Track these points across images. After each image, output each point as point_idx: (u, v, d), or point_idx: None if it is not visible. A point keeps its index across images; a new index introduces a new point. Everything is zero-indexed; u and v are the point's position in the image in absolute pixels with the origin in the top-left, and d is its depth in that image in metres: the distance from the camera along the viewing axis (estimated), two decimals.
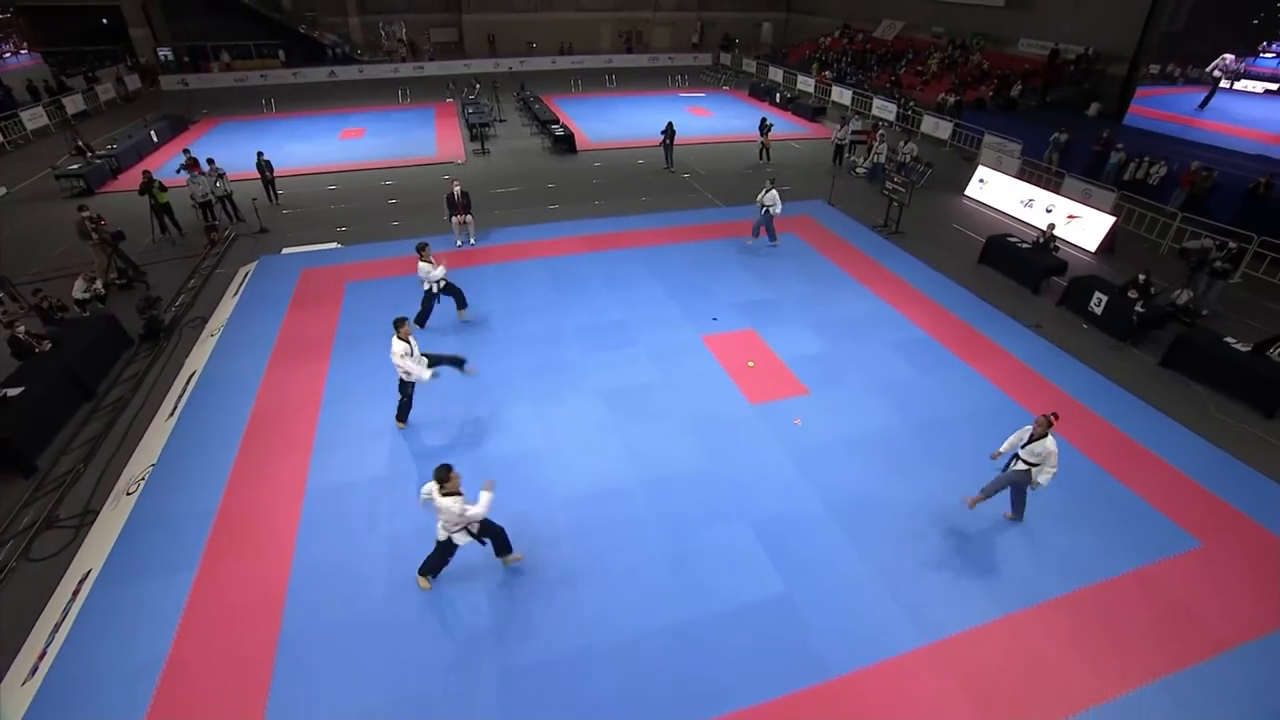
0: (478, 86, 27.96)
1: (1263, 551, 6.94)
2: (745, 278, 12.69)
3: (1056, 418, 6.56)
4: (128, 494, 7.74)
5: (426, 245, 10.18)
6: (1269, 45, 19.85)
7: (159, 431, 8.72)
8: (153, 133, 21.79)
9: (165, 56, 34.01)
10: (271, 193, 16.56)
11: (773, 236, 14.06)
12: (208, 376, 9.56)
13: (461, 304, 10.96)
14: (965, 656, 5.79)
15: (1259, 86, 20.19)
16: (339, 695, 5.42)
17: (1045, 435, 6.48)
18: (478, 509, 5.83)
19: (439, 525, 5.99)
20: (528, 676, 5.56)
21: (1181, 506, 7.48)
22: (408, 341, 7.83)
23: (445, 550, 6.15)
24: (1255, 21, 19.96)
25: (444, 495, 5.79)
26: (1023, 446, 6.66)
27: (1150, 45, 22.69)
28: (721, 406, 9.04)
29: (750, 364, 10.03)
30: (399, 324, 7.83)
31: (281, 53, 35.48)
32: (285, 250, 13.62)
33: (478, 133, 21.40)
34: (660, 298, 11.86)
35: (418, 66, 35.50)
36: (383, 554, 6.70)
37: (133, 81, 30.60)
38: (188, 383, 9.58)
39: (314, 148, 21.31)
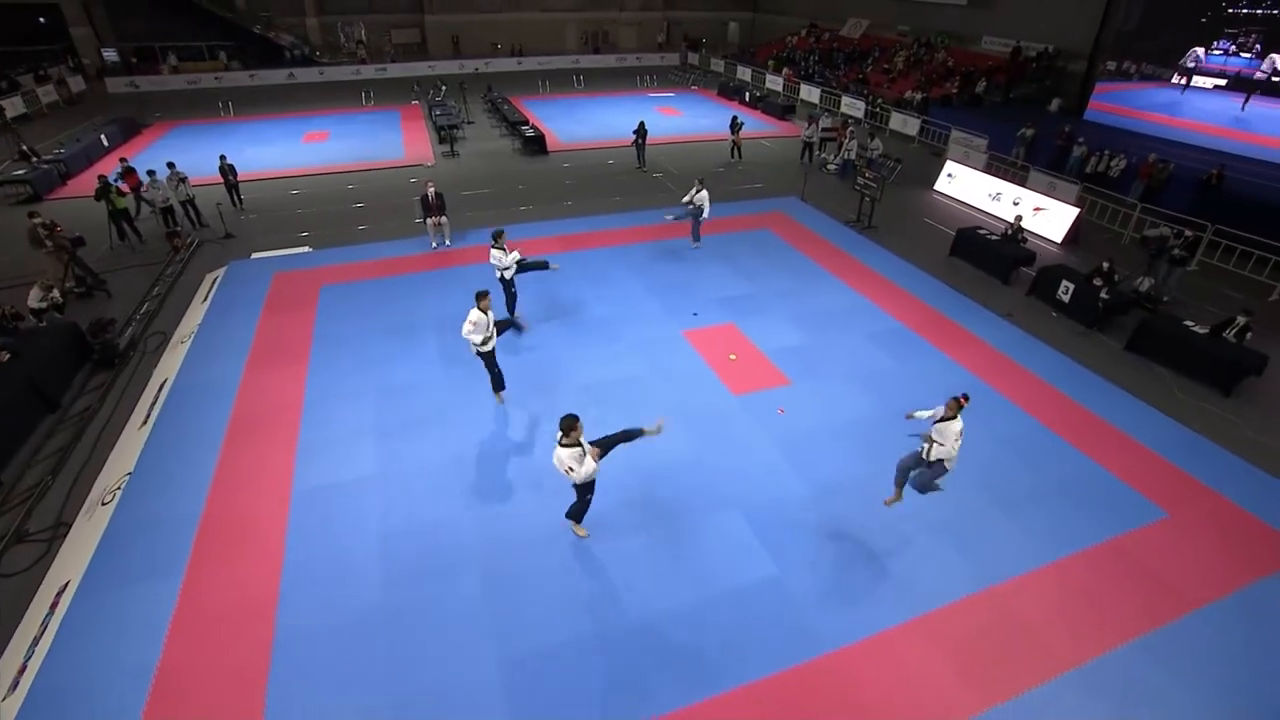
0: (443, 88, 27.98)
1: (1224, 519, 7.46)
2: (724, 273, 13.01)
3: (966, 399, 6.62)
4: (103, 504, 7.69)
5: (503, 233, 10.22)
6: (1218, 44, 20.97)
7: (133, 440, 8.66)
8: (103, 137, 21.37)
9: (110, 58, 33.26)
10: (235, 197, 16.41)
11: (696, 238, 14.14)
12: (182, 383, 9.51)
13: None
14: (951, 627, 6.13)
15: (1209, 82, 21.33)
16: (338, 694, 5.51)
17: (954, 417, 6.54)
18: (583, 469, 6.18)
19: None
20: (531, 664, 5.73)
21: (1149, 480, 7.98)
22: (486, 314, 8.12)
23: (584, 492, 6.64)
24: (1203, 20, 21.07)
25: (562, 446, 6.10)
26: (934, 424, 6.75)
27: (1106, 43, 23.80)
28: (706, 398, 9.32)
29: (732, 357, 10.33)
30: (480, 296, 8.15)
31: (223, 54, 34.80)
32: (255, 255, 13.55)
33: (446, 135, 21.46)
34: (640, 294, 12.12)
35: (380, 68, 35.32)
36: (375, 553, 6.80)
37: (76, 83, 29.85)
38: (160, 391, 9.52)
39: (277, 151, 21.14)
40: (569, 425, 6.09)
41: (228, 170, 16.07)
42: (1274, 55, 19.69)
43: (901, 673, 5.73)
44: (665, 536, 7.06)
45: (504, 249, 10.11)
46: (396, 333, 10.73)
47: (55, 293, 11.65)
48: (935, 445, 6.63)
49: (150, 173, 14.62)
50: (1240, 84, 20.53)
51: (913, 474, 7.12)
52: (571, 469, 6.18)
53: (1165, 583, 6.62)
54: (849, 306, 11.98)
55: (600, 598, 6.34)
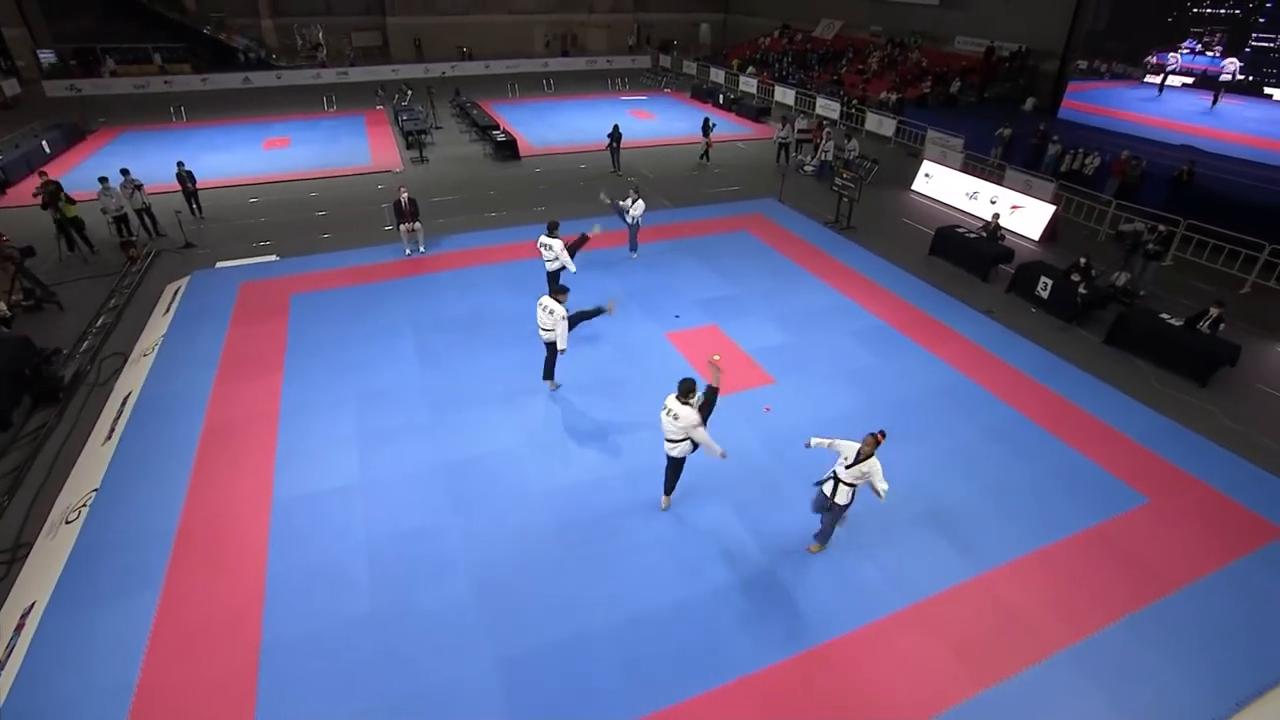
0: (409, 92, 28.11)
1: (1203, 503, 7.93)
2: (704, 275, 13.35)
3: (884, 435, 6.41)
4: (67, 522, 7.67)
5: (557, 224, 11.03)
6: (1185, 43, 22.07)
7: (97, 456, 8.64)
8: (45, 143, 21.13)
9: (48, 59, 32.73)
10: (195, 205, 16.34)
11: (633, 247, 14.19)
12: (148, 397, 9.50)
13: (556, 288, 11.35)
14: (945, 613, 6.45)
15: (1176, 80, 22.44)
16: (331, 700, 5.61)
17: (872, 455, 6.34)
18: (705, 434, 6.72)
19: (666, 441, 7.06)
20: (530, 663, 5.90)
21: (1130, 468, 8.44)
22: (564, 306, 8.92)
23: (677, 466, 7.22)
24: (1169, 20, 22.16)
25: (683, 404, 6.71)
26: (846, 467, 6.44)
27: (1077, 43, 24.89)
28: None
29: (716, 357, 10.56)
30: (562, 292, 9.03)
31: (159, 56, 34.21)
32: (220, 264, 13.54)
33: (414, 140, 21.61)
34: (620, 298, 12.35)
35: (341, 72, 35.36)
36: (363, 557, 6.92)
37: (10, 86, 29.33)
38: (123, 405, 9.50)
39: (236, 158, 21.10)
40: (688, 388, 6.84)
41: (186, 177, 16.00)
42: (1232, 59, 20.79)
43: (898, 658, 6.02)
44: (655, 534, 7.29)
45: (560, 239, 10.92)
46: (373, 340, 10.85)
47: (2, 306, 11.53)
48: (845, 488, 6.49)
49: (102, 180, 14.48)
50: (1207, 82, 21.59)
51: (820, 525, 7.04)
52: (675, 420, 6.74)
53: (1149, 565, 7.02)
54: (830, 306, 12.38)
55: (596, 595, 6.54)
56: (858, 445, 6.42)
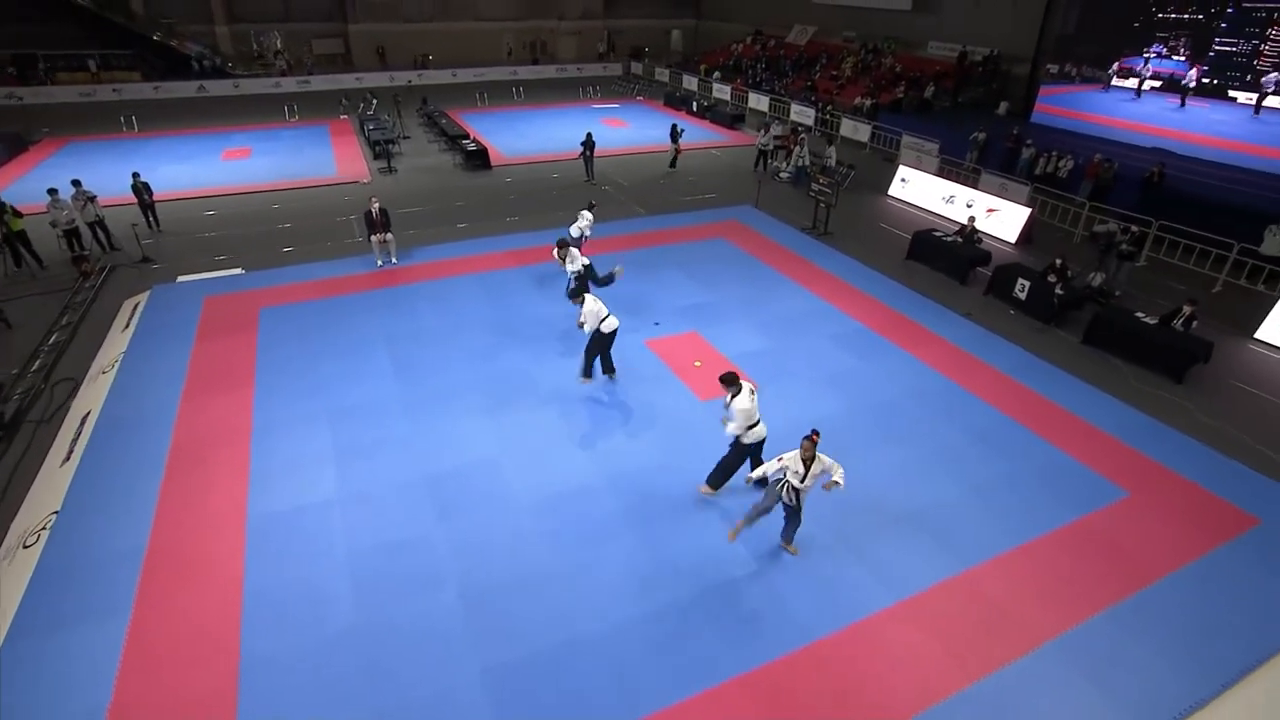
0: (374, 101, 28.18)
1: (1181, 495, 8.32)
2: (683, 282, 13.62)
3: (817, 435, 6.61)
4: (24, 547, 7.60)
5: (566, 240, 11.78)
6: (1152, 48, 23.12)
7: (55, 478, 8.56)
8: None
9: None
10: (151, 218, 16.23)
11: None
12: (109, 415, 9.44)
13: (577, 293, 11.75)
14: (932, 609, 6.70)
15: (1144, 84, 23.53)
16: (315, 715, 5.66)
17: (814, 455, 6.57)
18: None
19: (730, 428, 7.62)
20: (516, 672, 6.00)
21: (1109, 462, 8.83)
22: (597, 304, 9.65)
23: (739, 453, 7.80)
24: (1136, 25, 23.20)
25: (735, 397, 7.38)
26: (801, 480, 6.67)
27: (1047, 47, 25.89)
28: (674, 404, 9.84)
29: (697, 364, 10.88)
30: (594, 285, 10.64)
31: (92, 63, 33.56)
32: (181, 278, 13.49)
33: (382, 150, 21.70)
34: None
35: (302, 80, 35.31)
36: (344, 572, 6.97)
37: None
38: (83, 424, 9.43)
39: (193, 169, 21.02)
40: (733, 378, 7.63)
41: (142, 189, 15.91)
42: (1195, 68, 21.89)
43: (888, 653, 6.24)
44: (643, 539, 7.46)
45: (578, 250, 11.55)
46: (348, 354, 10.92)
47: None
48: (806, 489, 6.75)
49: (51, 191, 14.31)
50: (1174, 86, 22.63)
51: (783, 526, 7.25)
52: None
53: (1130, 557, 7.35)
54: (810, 311, 12.72)
55: (583, 602, 6.67)
56: (798, 452, 6.67)
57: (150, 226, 16.12)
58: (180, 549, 7.29)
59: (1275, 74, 20.26)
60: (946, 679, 6.02)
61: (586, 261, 11.46)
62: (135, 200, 15.98)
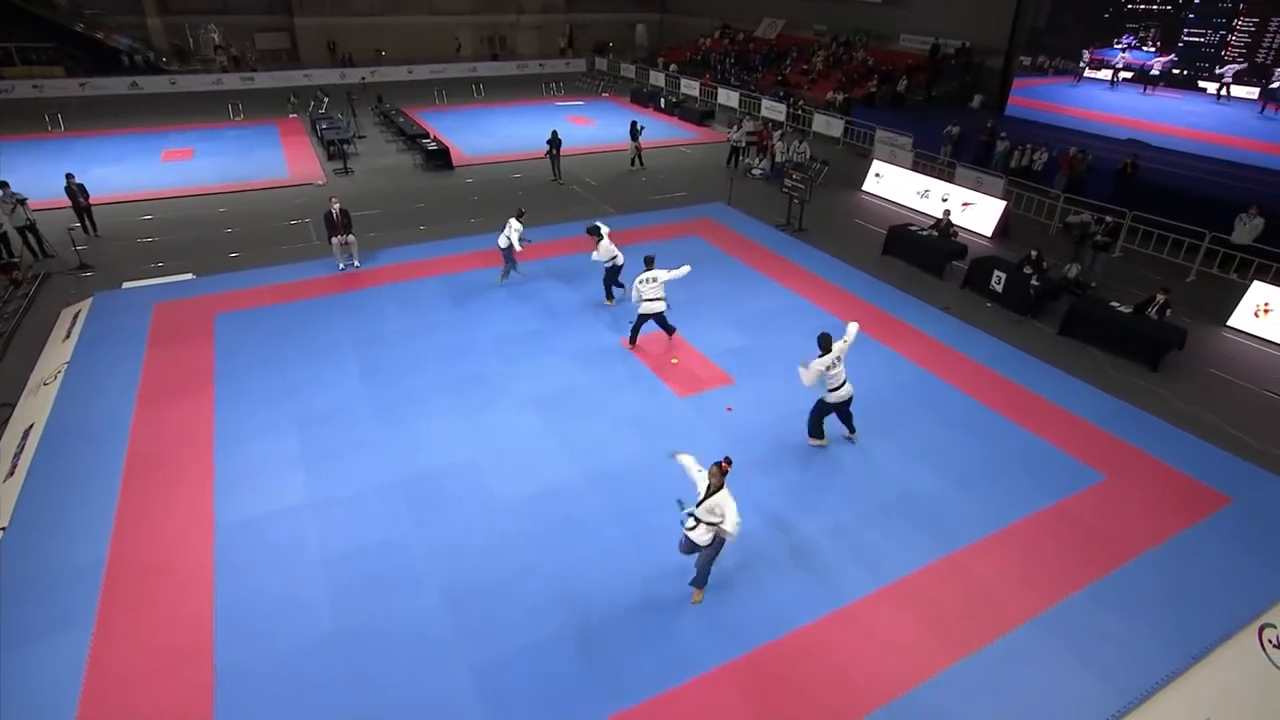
0: (326, 99, 28.20)
1: (1156, 477, 8.94)
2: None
3: (729, 462, 6.38)
4: None
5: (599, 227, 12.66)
6: (1123, 38, 24.34)
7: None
8: None
9: None
10: (88, 222, 16.10)
11: (505, 273, 13.95)
12: (56, 427, 9.47)
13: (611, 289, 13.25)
14: (916, 593, 7.14)
15: (1109, 74, 24.80)
16: None
17: (722, 487, 6.28)
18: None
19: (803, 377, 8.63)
20: (504, 670, 6.27)
21: (1087, 447, 9.42)
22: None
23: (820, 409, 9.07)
24: (1105, 16, 24.40)
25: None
26: (699, 504, 6.35)
27: (1020, 39, 26.99)
28: (652, 402, 10.23)
29: (674, 361, 11.26)
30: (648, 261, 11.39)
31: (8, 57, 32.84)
32: (126, 285, 13.49)
33: (337, 150, 21.80)
34: (573, 305, 13.00)
35: (246, 77, 35.13)
36: (320, 578, 7.17)
37: None
38: (26, 437, 9.44)
39: (130, 171, 20.90)
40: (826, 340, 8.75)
41: (77, 191, 15.76)
42: (1162, 55, 23.14)
43: (874, 636, 6.65)
44: (628, 534, 7.80)
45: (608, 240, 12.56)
46: (313, 359, 11.10)
47: None
48: (704, 526, 6.36)
49: None
50: (1144, 77, 23.84)
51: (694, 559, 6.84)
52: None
53: (1108, 536, 7.90)
54: (787, 307, 13.21)
55: (569, 598, 6.97)
56: (703, 475, 6.39)
57: (87, 231, 15.99)
58: (144, 560, 7.41)
59: (1232, 66, 21.47)
60: (932, 658, 6.43)
61: (619, 259, 12.63)
62: (70, 203, 15.83)
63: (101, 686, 6.17)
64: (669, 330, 11.65)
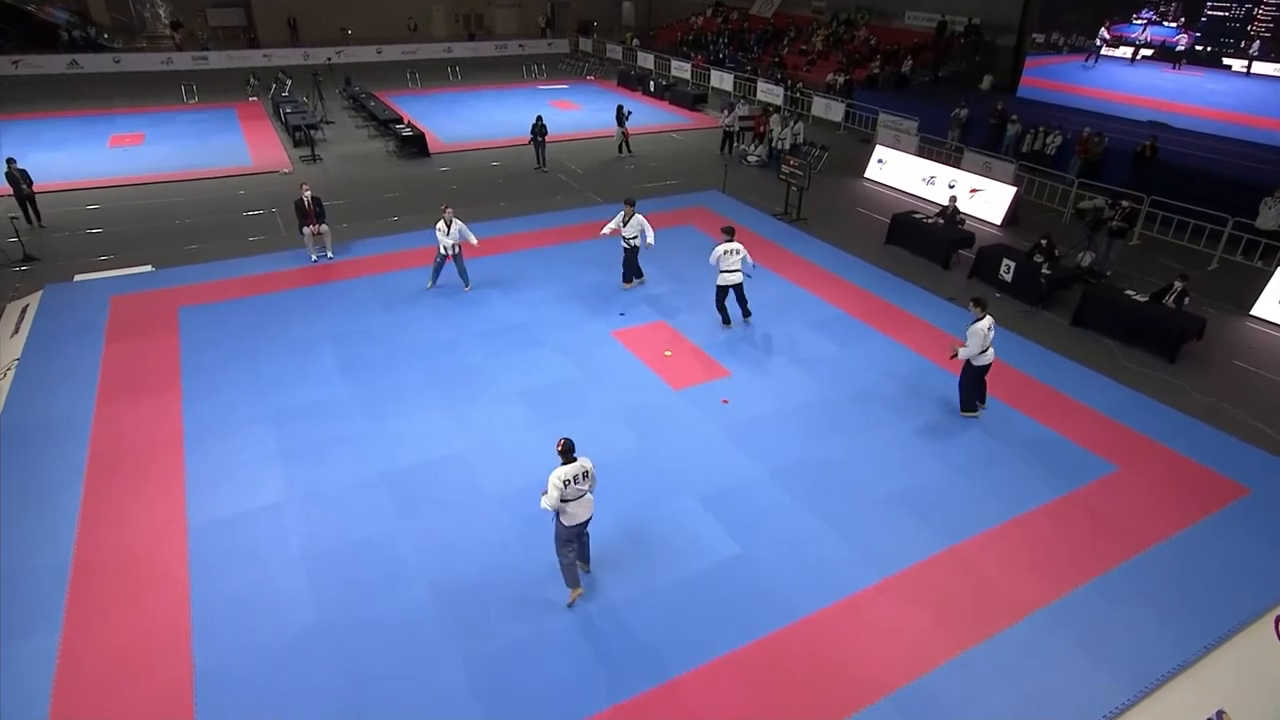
0: (289, 81, 28.44)
1: (1169, 468, 9.39)
2: (648, 271, 14.36)
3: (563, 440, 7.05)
4: None
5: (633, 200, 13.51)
6: (1143, 13, 25.02)
7: None
8: None
9: None
10: (32, 211, 16.25)
11: (464, 278, 13.83)
12: (10, 425, 9.69)
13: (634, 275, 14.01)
14: (921, 583, 7.53)
15: (1127, 52, 25.44)
16: (286, 717, 6.14)
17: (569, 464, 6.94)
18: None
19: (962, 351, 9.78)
20: (498, 662, 6.60)
21: (1099, 438, 9.88)
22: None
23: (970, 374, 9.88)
24: None
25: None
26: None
27: (1033, 15, 27.55)
28: (645, 395, 10.64)
29: (667, 353, 11.67)
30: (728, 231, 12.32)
31: None
32: (79, 277, 13.73)
33: (303, 136, 22.11)
34: (562, 296, 13.41)
35: (199, 57, 35.35)
36: (302, 573, 7.49)
37: None
38: None
39: (74, 157, 21.16)
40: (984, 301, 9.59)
41: (20, 177, 15.80)
42: (1187, 32, 23.79)
43: (877, 627, 7.02)
44: (624, 529, 8.16)
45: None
46: (289, 353, 11.43)
47: None
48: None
49: None
50: (1166, 54, 24.48)
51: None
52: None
53: (1120, 527, 8.33)
54: (785, 298, 13.66)
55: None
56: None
57: (30, 221, 16.11)
58: (113, 560, 7.67)
59: (1258, 42, 22.14)
60: (937, 649, 6.80)
61: (649, 237, 13.23)
62: (10, 191, 15.94)
63: (73, 691, 6.38)
64: (747, 313, 12.56)
